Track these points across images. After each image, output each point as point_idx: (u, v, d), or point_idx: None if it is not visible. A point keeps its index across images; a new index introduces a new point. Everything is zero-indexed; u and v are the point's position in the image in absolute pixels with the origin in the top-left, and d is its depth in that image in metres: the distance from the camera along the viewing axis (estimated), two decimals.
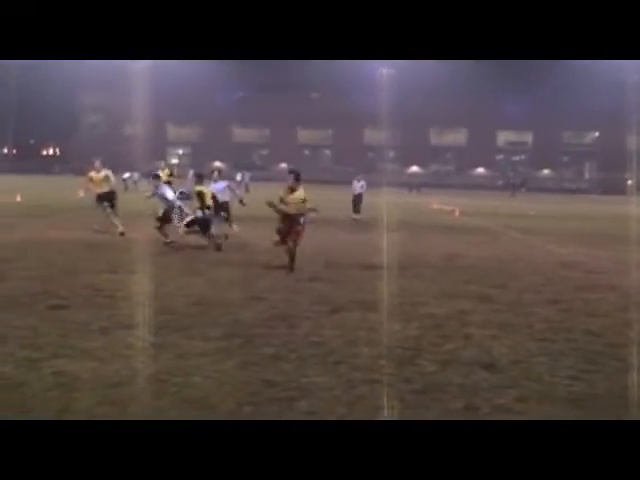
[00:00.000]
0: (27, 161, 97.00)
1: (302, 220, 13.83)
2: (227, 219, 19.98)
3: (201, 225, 16.57)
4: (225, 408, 5.95)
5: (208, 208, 16.69)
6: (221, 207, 19.16)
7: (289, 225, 13.72)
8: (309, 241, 19.89)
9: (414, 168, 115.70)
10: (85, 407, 5.86)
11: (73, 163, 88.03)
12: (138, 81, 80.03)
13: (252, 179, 58.07)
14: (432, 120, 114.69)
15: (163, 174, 26.13)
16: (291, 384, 6.66)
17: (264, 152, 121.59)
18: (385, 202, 31.21)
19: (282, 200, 13.86)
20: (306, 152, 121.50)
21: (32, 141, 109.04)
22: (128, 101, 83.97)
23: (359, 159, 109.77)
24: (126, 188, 46.87)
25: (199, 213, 16.56)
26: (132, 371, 6.86)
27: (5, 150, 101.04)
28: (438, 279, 13.33)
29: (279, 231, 13.90)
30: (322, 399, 6.28)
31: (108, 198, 19.80)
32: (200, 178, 17.51)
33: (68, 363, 7.06)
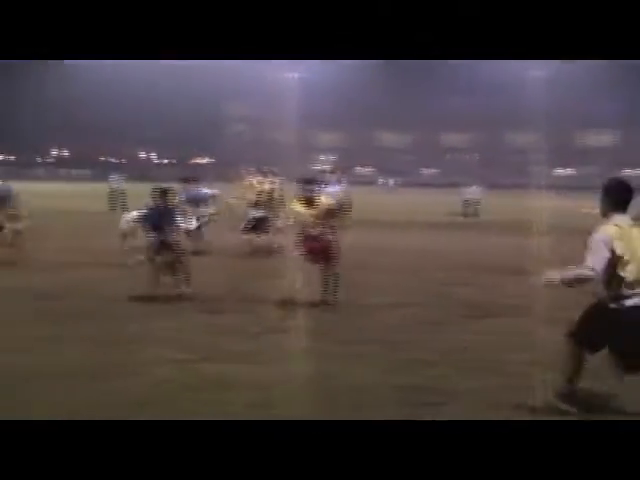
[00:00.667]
0: (180, 168, 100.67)
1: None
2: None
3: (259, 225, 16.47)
4: (375, 411, 5.92)
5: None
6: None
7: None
8: (454, 244, 19.72)
9: (562, 170, 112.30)
10: (239, 409, 5.99)
11: (220, 170, 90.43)
12: (284, 88, 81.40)
13: (396, 184, 57.91)
14: (580, 120, 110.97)
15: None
16: (439, 389, 6.58)
17: (409, 157, 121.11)
18: (533, 205, 30.43)
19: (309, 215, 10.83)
20: (449, 156, 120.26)
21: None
22: (274, 109, 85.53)
23: (505, 162, 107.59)
24: None
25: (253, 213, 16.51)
26: (285, 375, 6.97)
27: (165, 160, 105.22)
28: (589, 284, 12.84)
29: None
30: (470, 404, 6.18)
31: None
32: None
33: (222, 366, 7.28)
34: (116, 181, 32.58)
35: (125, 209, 20.79)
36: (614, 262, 5.81)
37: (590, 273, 5.85)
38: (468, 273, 14.03)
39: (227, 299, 10.81)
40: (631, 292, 5.84)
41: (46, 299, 10.62)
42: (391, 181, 56.41)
